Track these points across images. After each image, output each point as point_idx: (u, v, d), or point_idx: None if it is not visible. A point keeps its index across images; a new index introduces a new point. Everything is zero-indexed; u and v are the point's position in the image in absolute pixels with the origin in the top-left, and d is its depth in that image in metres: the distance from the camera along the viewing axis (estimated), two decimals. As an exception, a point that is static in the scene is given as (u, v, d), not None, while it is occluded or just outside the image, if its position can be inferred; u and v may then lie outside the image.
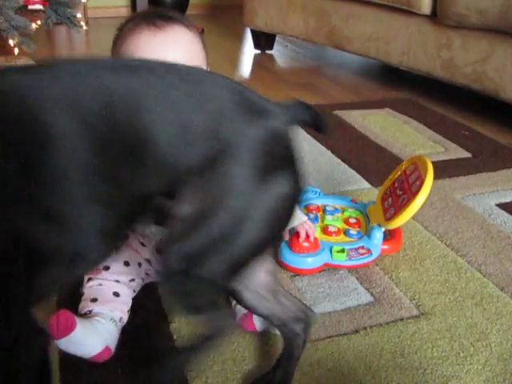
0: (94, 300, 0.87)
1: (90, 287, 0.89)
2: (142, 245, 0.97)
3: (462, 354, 0.86)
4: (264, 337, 0.88)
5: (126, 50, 0.84)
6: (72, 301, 0.89)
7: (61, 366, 0.81)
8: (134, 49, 0.83)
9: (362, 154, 1.63)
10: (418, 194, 1.01)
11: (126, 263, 0.93)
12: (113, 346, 0.83)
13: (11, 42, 2.32)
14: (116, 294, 0.89)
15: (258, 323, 0.87)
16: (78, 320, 0.79)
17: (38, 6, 2.46)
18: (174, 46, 0.84)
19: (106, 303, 0.87)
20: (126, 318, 0.88)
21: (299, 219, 1.04)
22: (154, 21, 0.83)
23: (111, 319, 0.85)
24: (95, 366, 0.80)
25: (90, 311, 0.86)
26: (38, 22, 2.52)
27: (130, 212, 0.58)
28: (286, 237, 1.06)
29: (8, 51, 2.42)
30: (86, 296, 0.89)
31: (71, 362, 0.80)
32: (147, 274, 0.98)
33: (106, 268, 0.91)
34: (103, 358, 0.81)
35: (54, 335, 0.77)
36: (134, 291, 0.94)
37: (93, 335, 0.80)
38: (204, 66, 0.88)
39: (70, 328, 0.77)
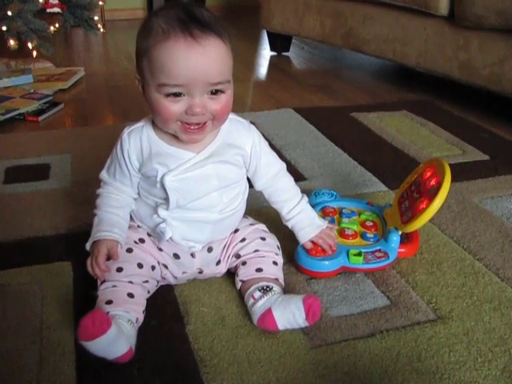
0: (109, 302, 0.87)
1: (104, 289, 0.90)
2: (159, 249, 0.97)
3: (479, 360, 0.85)
4: (279, 338, 0.88)
5: (159, 55, 0.82)
6: (87, 304, 0.90)
7: (77, 368, 0.81)
8: (167, 58, 0.81)
9: (378, 156, 1.62)
10: (435, 197, 1.00)
11: (140, 265, 0.93)
12: (134, 347, 0.83)
13: (30, 45, 2.35)
14: (130, 295, 0.89)
15: (279, 320, 0.87)
16: (112, 319, 0.79)
17: (56, 10, 2.49)
18: (209, 62, 0.82)
19: (121, 305, 0.87)
20: (141, 318, 0.89)
21: (316, 226, 1.05)
22: (191, 29, 0.81)
23: (128, 320, 0.85)
24: (111, 367, 0.81)
25: (107, 314, 0.86)
26: (56, 25, 2.56)
27: None
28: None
29: (26, 54, 2.45)
30: (100, 298, 0.89)
31: (87, 364, 0.80)
32: (163, 278, 0.98)
33: (119, 269, 0.91)
34: (126, 359, 0.81)
35: (89, 335, 0.77)
36: (149, 292, 0.94)
37: (121, 336, 0.80)
38: (231, 74, 0.88)
39: (106, 326, 0.77)
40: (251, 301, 0.92)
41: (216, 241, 0.99)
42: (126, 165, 0.94)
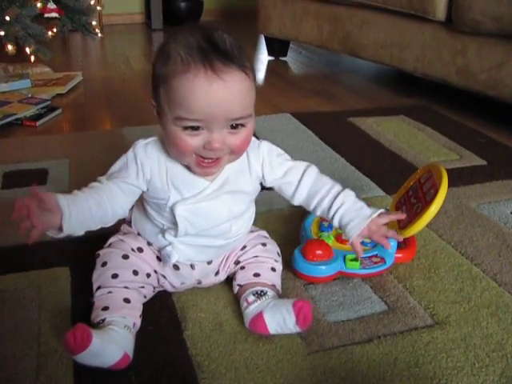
0: (106, 308, 0.87)
1: (100, 296, 0.90)
2: (158, 259, 0.97)
3: (477, 365, 0.85)
4: (277, 344, 0.88)
5: (178, 88, 0.79)
6: (85, 310, 0.90)
7: (75, 374, 0.81)
8: (187, 92, 0.78)
9: (376, 161, 1.62)
10: (432, 202, 1.01)
11: (135, 272, 0.93)
12: (130, 353, 0.83)
13: (27, 50, 2.35)
14: (127, 300, 0.89)
15: (270, 323, 0.87)
16: (93, 332, 0.78)
17: (54, 14, 2.50)
18: (230, 97, 0.79)
19: (117, 311, 0.87)
20: (138, 323, 0.89)
21: (363, 218, 0.95)
22: (212, 62, 0.77)
23: (125, 326, 0.85)
24: (109, 373, 0.80)
25: (103, 320, 0.85)
26: (54, 30, 2.55)
27: None
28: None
29: (24, 59, 2.45)
30: (96, 305, 0.89)
31: (85, 370, 0.80)
32: (161, 286, 0.98)
33: (114, 276, 0.91)
34: (123, 365, 0.81)
35: (73, 351, 0.77)
36: (145, 297, 0.94)
37: (110, 344, 0.80)
38: (253, 109, 0.85)
39: (87, 341, 0.76)
40: (245, 304, 0.92)
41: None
42: (137, 171, 0.89)
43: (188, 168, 0.88)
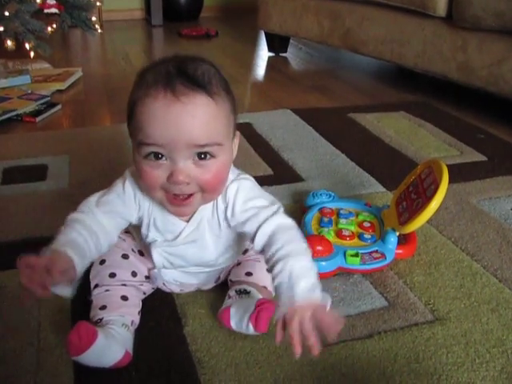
0: (103, 307, 0.86)
1: (97, 294, 0.89)
2: (155, 279, 0.95)
3: (477, 361, 0.85)
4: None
5: (139, 113, 0.74)
6: (85, 306, 0.90)
7: (75, 370, 0.81)
8: (145, 116, 0.73)
9: (376, 157, 1.62)
10: (432, 198, 1.00)
11: (134, 273, 0.93)
12: (131, 350, 0.83)
13: (27, 46, 2.34)
14: (124, 298, 0.88)
15: (233, 317, 0.85)
16: (98, 329, 0.78)
17: (54, 10, 2.49)
18: (190, 119, 0.72)
19: (115, 309, 0.86)
20: (137, 320, 0.88)
21: (288, 299, 0.71)
22: (174, 85, 0.71)
23: (123, 324, 0.84)
24: (109, 369, 0.80)
25: (101, 319, 0.85)
26: (54, 26, 2.55)
27: None
28: None
29: (24, 54, 2.44)
30: (94, 304, 0.88)
31: (85, 366, 0.80)
32: (160, 286, 0.97)
33: (112, 275, 0.91)
34: (125, 363, 0.81)
35: (77, 350, 0.76)
36: (145, 293, 0.94)
37: (113, 342, 0.79)
38: (228, 138, 0.78)
39: (92, 337, 0.76)
40: (226, 298, 0.91)
41: None
42: (135, 209, 0.85)
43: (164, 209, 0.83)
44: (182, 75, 0.73)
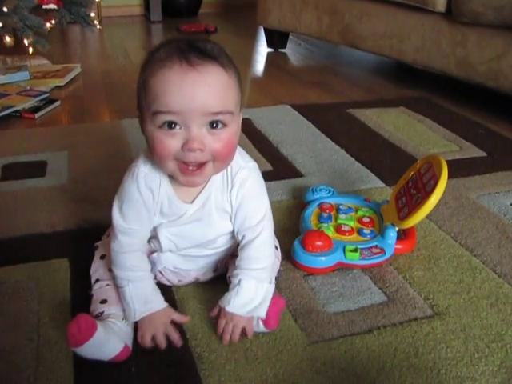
0: (104, 301, 0.87)
1: (98, 288, 0.90)
2: (154, 264, 0.96)
3: (476, 355, 0.85)
4: (276, 335, 0.88)
5: (154, 83, 0.75)
6: (84, 301, 0.90)
7: (74, 365, 0.81)
8: (161, 85, 0.74)
9: (375, 152, 1.62)
10: (432, 193, 1.00)
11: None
12: (130, 344, 0.83)
13: (26, 42, 2.34)
14: None
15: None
16: (97, 321, 0.79)
17: (52, 6, 2.48)
18: (206, 87, 0.74)
19: (115, 303, 0.87)
20: None
21: (245, 310, 0.86)
22: (189, 56, 0.74)
23: (123, 319, 0.85)
24: (108, 364, 0.80)
25: (102, 313, 0.86)
26: (52, 22, 2.54)
27: None
28: None
29: (22, 50, 2.44)
30: (95, 298, 0.89)
31: (85, 361, 0.80)
32: (159, 281, 0.97)
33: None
34: (124, 357, 0.81)
35: (77, 342, 0.77)
36: None
37: (112, 335, 0.80)
38: (237, 108, 0.80)
39: (91, 329, 0.76)
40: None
41: None
42: (146, 205, 0.86)
43: (172, 192, 0.85)
44: (193, 49, 0.76)
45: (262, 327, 0.86)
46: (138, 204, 0.85)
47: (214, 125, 0.76)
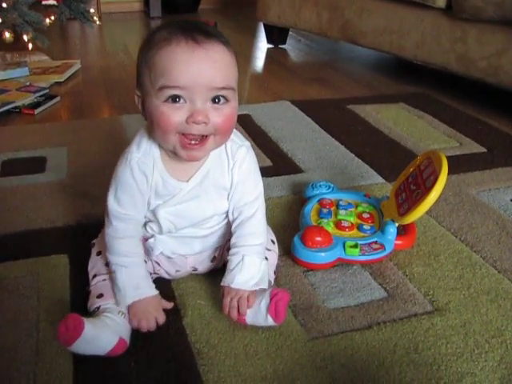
0: (100, 296, 0.87)
1: (96, 284, 0.90)
2: (151, 249, 0.96)
3: (476, 351, 0.85)
4: (276, 331, 0.88)
5: (160, 60, 0.78)
6: (84, 297, 0.91)
7: (74, 361, 0.81)
8: (169, 61, 0.77)
9: (375, 148, 1.62)
10: (432, 189, 1.00)
11: None
12: (127, 338, 0.83)
13: (25, 38, 2.33)
14: None
15: (248, 318, 0.87)
16: (85, 319, 0.79)
17: (52, 2, 2.48)
18: (213, 65, 0.78)
19: (111, 297, 0.87)
20: None
21: (247, 284, 0.89)
22: (194, 34, 0.78)
23: (119, 312, 0.85)
24: (108, 360, 0.80)
25: (98, 308, 0.86)
26: (52, 18, 2.54)
27: None
28: None
29: (22, 46, 2.44)
30: (92, 293, 0.89)
31: (84, 357, 0.80)
32: (157, 274, 0.98)
33: (108, 263, 0.91)
34: (120, 351, 0.81)
35: (67, 341, 0.77)
36: None
37: (104, 330, 0.80)
38: (236, 84, 0.84)
39: (79, 328, 0.77)
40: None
41: None
42: (140, 190, 0.87)
43: (170, 172, 0.87)
44: (196, 28, 0.79)
45: (270, 321, 0.86)
46: (131, 189, 0.87)
47: (217, 100, 0.80)
